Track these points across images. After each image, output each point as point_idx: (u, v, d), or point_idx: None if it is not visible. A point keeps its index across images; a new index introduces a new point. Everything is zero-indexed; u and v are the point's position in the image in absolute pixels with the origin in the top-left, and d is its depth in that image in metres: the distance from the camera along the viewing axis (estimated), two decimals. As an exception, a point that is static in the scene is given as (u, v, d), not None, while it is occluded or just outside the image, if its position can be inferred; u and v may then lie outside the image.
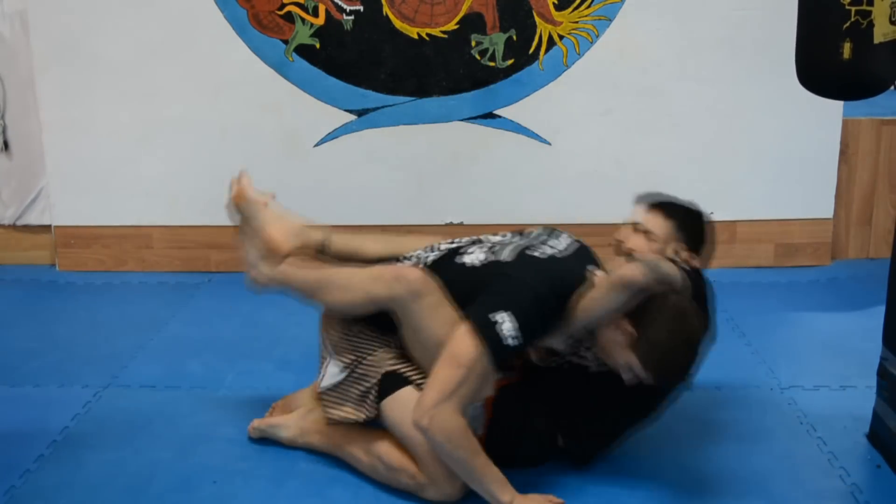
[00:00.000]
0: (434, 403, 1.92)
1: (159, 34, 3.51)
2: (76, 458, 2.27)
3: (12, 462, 2.23)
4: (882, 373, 2.28)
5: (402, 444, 2.07)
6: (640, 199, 2.30)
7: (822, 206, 3.67)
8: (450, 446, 1.94)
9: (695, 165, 3.60)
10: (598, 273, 2.07)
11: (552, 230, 2.26)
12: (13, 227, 3.78)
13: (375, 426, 2.13)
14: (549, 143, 3.59)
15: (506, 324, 1.92)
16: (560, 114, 3.56)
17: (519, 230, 2.29)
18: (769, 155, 3.59)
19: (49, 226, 3.75)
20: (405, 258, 2.22)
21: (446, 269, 2.11)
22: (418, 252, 2.22)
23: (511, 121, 3.57)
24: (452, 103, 3.55)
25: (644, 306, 1.95)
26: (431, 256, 2.18)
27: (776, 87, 3.43)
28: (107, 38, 3.52)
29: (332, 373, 2.16)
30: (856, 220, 3.75)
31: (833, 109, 3.48)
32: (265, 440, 2.33)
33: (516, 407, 2.11)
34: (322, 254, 2.40)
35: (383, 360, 2.11)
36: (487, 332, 1.92)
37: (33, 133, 3.65)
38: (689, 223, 2.27)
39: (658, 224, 2.24)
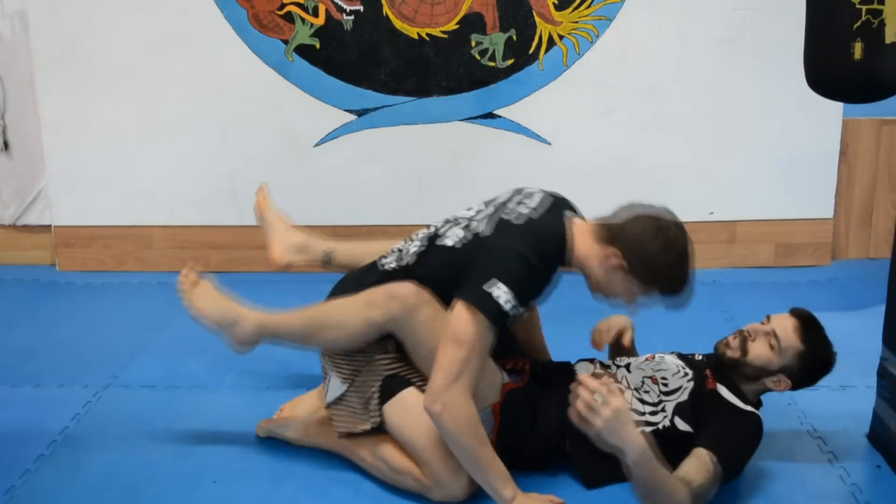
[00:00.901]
0: (443, 387, 1.91)
1: (159, 34, 3.51)
2: (76, 458, 2.27)
3: (12, 462, 2.23)
4: (882, 373, 2.28)
5: (405, 448, 2.08)
6: (797, 312, 2.18)
7: (822, 206, 3.67)
8: (459, 434, 1.94)
9: (695, 165, 3.60)
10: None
11: (521, 189, 2.23)
12: (13, 227, 3.78)
13: (382, 431, 2.13)
14: (549, 143, 3.59)
15: (500, 292, 1.92)
16: (560, 114, 3.56)
17: (490, 199, 2.24)
18: (769, 155, 3.59)
19: (49, 226, 3.75)
20: (385, 258, 2.20)
21: (432, 257, 2.10)
22: (399, 246, 2.21)
23: (511, 121, 3.57)
24: (452, 103, 3.55)
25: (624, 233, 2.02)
26: (413, 248, 2.16)
27: (776, 87, 3.44)
28: (107, 38, 3.52)
29: (335, 386, 2.16)
30: (856, 220, 3.75)
31: (833, 109, 3.48)
32: (266, 440, 2.33)
33: (525, 411, 2.10)
34: (328, 265, 2.41)
35: (382, 366, 2.10)
36: (484, 304, 1.92)
37: (33, 133, 3.65)
38: (813, 358, 2.14)
39: (789, 340, 2.13)
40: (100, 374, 2.74)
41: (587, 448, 2.09)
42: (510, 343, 2.32)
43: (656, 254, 2.02)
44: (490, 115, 3.57)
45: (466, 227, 2.11)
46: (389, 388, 2.08)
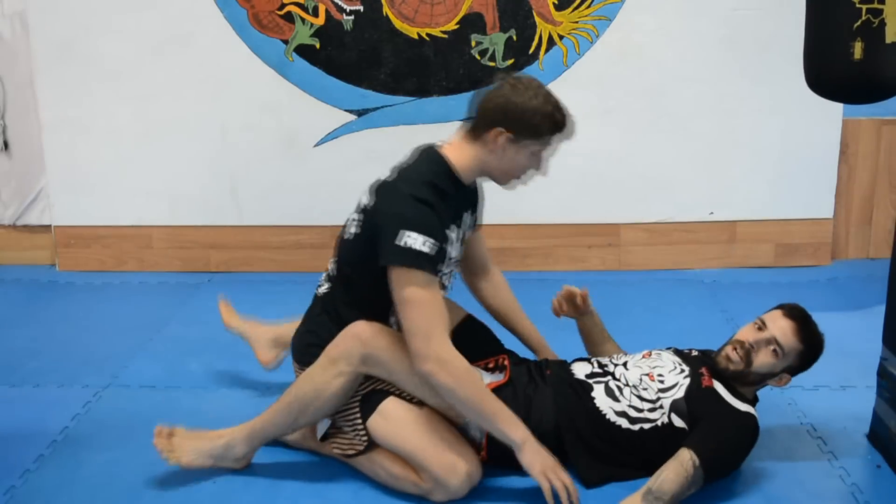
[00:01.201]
0: (424, 347, 1.95)
1: (159, 34, 3.51)
2: (76, 458, 2.27)
3: (12, 462, 2.23)
4: (882, 373, 2.28)
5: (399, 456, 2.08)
6: (790, 313, 2.18)
7: (822, 206, 3.67)
8: (457, 386, 1.96)
9: (695, 165, 3.60)
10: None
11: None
12: (13, 227, 3.78)
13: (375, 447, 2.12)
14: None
15: (410, 239, 1.95)
16: (560, 114, 3.55)
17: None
18: (769, 155, 3.59)
19: (49, 226, 3.75)
20: (319, 287, 2.26)
21: (346, 254, 2.15)
22: (327, 271, 2.26)
23: (511, 121, 3.57)
24: (452, 103, 3.55)
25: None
26: (331, 261, 2.23)
27: (776, 86, 3.43)
28: (107, 38, 3.52)
29: (322, 424, 2.17)
30: (856, 220, 3.75)
31: (833, 109, 3.48)
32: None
33: (514, 406, 2.10)
34: None
35: (356, 391, 2.10)
36: (405, 258, 1.95)
37: (33, 133, 3.65)
38: (812, 352, 2.18)
39: (790, 344, 2.14)
40: (100, 374, 2.75)
41: (584, 447, 2.10)
42: (491, 344, 2.34)
43: (527, 102, 2.04)
44: (490, 115, 3.56)
45: (356, 210, 2.15)
46: (369, 405, 2.08)
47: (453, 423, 2.11)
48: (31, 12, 3.51)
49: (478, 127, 2.09)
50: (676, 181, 3.62)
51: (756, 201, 3.65)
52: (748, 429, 2.10)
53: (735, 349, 2.15)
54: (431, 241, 1.97)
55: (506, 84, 2.07)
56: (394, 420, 2.06)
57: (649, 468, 2.02)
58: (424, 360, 1.95)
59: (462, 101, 3.54)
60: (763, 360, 2.13)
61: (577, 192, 3.64)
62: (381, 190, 2.09)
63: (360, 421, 2.09)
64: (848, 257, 3.77)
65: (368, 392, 2.09)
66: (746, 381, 2.17)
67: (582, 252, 3.69)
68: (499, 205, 3.71)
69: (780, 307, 2.20)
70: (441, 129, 3.53)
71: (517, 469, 2.03)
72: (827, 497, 2.09)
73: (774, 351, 2.12)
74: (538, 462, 1.97)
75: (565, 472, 1.98)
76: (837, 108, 3.51)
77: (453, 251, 2.16)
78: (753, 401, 2.19)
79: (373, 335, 2.03)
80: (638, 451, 2.10)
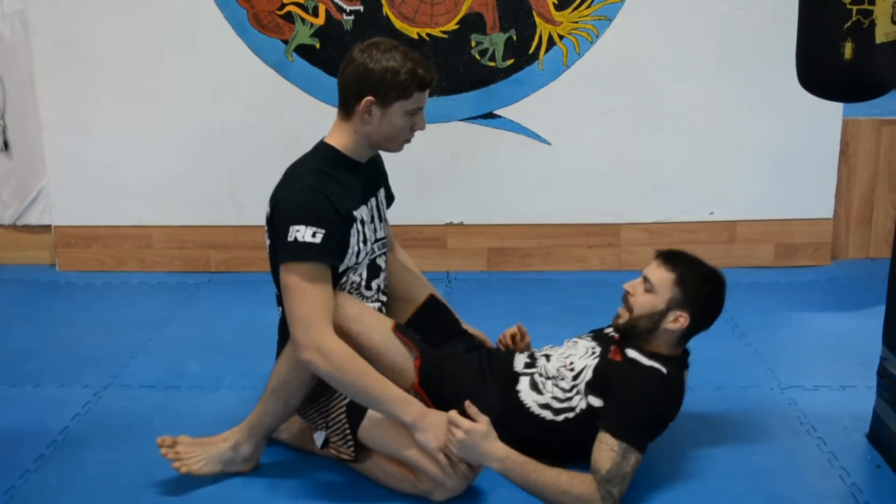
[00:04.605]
0: (303, 336, 1.96)
1: (159, 34, 3.51)
2: (76, 458, 2.27)
3: (12, 462, 2.23)
4: (882, 373, 2.28)
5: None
6: (659, 252, 2.21)
7: (822, 206, 3.67)
8: (338, 374, 1.96)
9: (695, 165, 3.60)
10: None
11: None
12: (13, 227, 3.78)
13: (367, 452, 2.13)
14: (549, 143, 3.59)
15: (297, 233, 1.97)
16: (560, 114, 3.56)
17: None
18: (769, 155, 3.59)
19: (49, 226, 3.75)
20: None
21: (274, 271, 2.13)
22: None
23: (511, 121, 3.57)
24: (452, 103, 3.55)
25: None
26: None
27: (776, 87, 3.43)
28: (107, 38, 3.52)
29: (318, 436, 2.18)
30: (856, 220, 3.75)
31: (833, 109, 3.48)
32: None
33: (464, 395, 2.11)
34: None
35: (341, 399, 2.10)
36: (292, 254, 1.97)
37: (33, 133, 3.65)
38: (691, 278, 2.14)
39: (660, 275, 2.14)
40: (100, 374, 2.75)
41: (517, 441, 2.10)
42: (448, 325, 2.38)
43: (385, 65, 2.04)
44: (490, 115, 3.57)
45: (266, 222, 2.15)
46: (355, 415, 2.08)
47: None
48: (31, 12, 3.51)
49: (347, 103, 2.12)
50: (676, 181, 3.62)
51: (756, 201, 3.65)
52: (654, 382, 2.07)
53: (621, 306, 2.18)
54: (321, 230, 1.98)
55: (359, 53, 2.08)
56: (383, 425, 2.05)
57: (585, 455, 2.03)
58: (303, 349, 1.96)
59: (462, 102, 3.56)
60: (641, 301, 2.14)
61: (577, 192, 3.64)
62: (274, 194, 2.10)
63: (348, 431, 2.08)
64: (848, 257, 3.78)
65: (351, 401, 2.08)
66: (645, 332, 2.14)
67: (582, 252, 3.69)
68: (499, 205, 3.74)
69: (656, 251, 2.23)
70: (441, 129, 3.56)
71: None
72: (827, 497, 2.10)
73: (646, 288, 2.13)
74: (433, 439, 1.98)
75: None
76: (837, 108, 3.51)
77: (368, 231, 2.17)
78: (681, 356, 2.18)
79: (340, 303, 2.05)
80: (567, 441, 2.10)
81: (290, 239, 1.98)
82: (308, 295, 1.97)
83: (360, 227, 2.13)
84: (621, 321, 2.18)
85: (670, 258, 2.17)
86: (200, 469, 2.12)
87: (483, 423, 1.99)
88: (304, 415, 2.19)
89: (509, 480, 2.01)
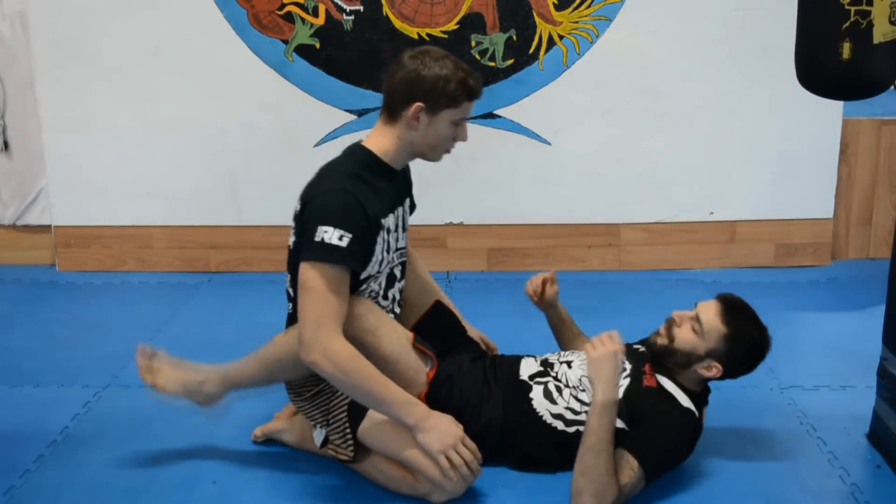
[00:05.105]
0: (311, 337, 1.95)
1: (159, 34, 3.51)
2: (76, 458, 2.27)
3: (12, 462, 2.23)
4: (882, 373, 2.28)
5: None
6: (721, 297, 2.18)
7: (822, 206, 3.67)
8: (342, 376, 1.96)
9: (695, 165, 3.60)
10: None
11: None
12: (13, 227, 3.78)
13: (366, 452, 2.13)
14: (549, 143, 3.59)
15: (326, 234, 1.96)
16: (560, 114, 3.56)
17: None
18: (769, 155, 3.59)
19: (49, 226, 3.75)
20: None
21: (292, 267, 2.12)
22: None
23: (511, 121, 3.57)
24: (452, 103, 3.55)
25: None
26: (286, 280, 2.22)
27: (776, 87, 3.43)
28: (107, 39, 3.52)
29: (318, 434, 2.18)
30: (856, 220, 3.75)
31: (833, 109, 3.48)
32: (265, 441, 2.33)
33: (467, 404, 2.12)
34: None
35: (342, 398, 2.10)
36: (317, 254, 1.96)
37: (33, 133, 3.65)
38: (741, 341, 2.11)
39: (713, 324, 2.11)
40: (100, 374, 2.75)
41: (522, 450, 2.11)
42: (455, 333, 2.38)
43: (438, 73, 2.03)
44: (490, 115, 3.57)
45: (293, 219, 2.14)
46: (356, 415, 2.08)
47: None
48: (31, 12, 3.51)
49: (394, 108, 2.09)
50: (676, 181, 3.62)
51: (756, 201, 3.65)
52: (685, 428, 2.09)
53: (663, 325, 2.17)
54: (349, 234, 1.97)
55: (411, 60, 2.07)
56: (383, 427, 2.05)
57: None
58: (310, 350, 1.95)
59: (462, 101, 3.55)
60: (684, 336, 2.12)
61: (577, 192, 3.64)
62: (305, 195, 2.09)
63: (348, 430, 2.08)
64: (848, 257, 3.78)
65: (354, 401, 2.08)
66: (676, 363, 2.14)
67: (582, 252, 3.69)
68: (499, 205, 3.74)
69: (718, 294, 2.20)
70: (441, 129, 3.56)
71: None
72: (827, 497, 2.10)
73: (694, 329, 2.11)
74: (435, 442, 1.97)
75: (469, 443, 2.00)
76: (837, 108, 3.51)
77: (392, 239, 2.16)
78: (702, 393, 2.18)
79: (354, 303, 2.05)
80: (573, 454, 2.04)
81: (317, 239, 1.96)
82: (324, 297, 1.96)
83: (385, 236, 2.12)
84: (659, 341, 2.15)
85: (730, 310, 2.13)
86: (164, 385, 2.17)
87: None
88: (305, 411, 2.19)
89: (594, 421, 1.98)
